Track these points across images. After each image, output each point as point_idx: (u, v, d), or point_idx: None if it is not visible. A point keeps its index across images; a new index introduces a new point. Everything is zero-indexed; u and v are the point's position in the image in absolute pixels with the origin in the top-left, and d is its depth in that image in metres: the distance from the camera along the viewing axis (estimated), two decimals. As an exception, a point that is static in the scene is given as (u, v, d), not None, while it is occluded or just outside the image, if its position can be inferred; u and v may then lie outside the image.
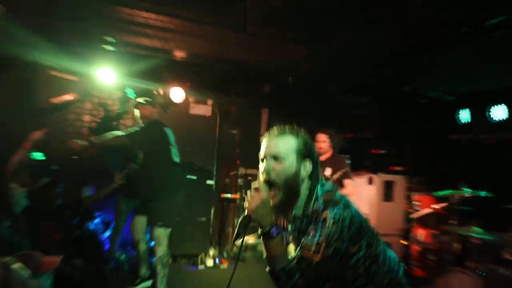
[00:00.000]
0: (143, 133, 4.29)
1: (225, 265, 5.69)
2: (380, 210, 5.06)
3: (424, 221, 5.44)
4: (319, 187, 1.92)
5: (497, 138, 5.43)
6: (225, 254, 6.09)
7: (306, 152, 1.91)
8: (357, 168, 5.72)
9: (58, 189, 4.78)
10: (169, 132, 4.52)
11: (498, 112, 5.27)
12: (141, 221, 4.62)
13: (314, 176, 1.93)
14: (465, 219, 4.56)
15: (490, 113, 5.35)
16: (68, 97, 5.33)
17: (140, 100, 4.52)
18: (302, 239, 1.83)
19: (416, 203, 5.40)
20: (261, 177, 1.92)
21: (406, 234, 5.49)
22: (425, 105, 6.37)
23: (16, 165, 3.73)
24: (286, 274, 1.77)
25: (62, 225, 4.56)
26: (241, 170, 6.52)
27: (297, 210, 1.94)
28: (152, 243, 4.57)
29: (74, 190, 5.26)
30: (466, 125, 5.74)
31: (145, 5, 4.15)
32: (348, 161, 4.83)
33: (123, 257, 5.43)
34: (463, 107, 5.71)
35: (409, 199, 5.53)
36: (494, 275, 3.79)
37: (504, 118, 5.18)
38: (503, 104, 5.20)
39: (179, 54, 4.80)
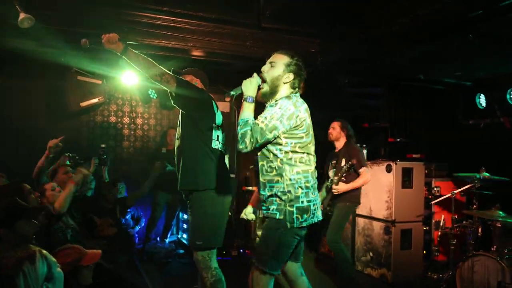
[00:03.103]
0: None
1: (249, 256, 5.87)
2: (400, 197, 5.12)
3: (444, 206, 5.50)
4: (295, 96, 2.71)
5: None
6: (249, 245, 6.27)
7: (292, 69, 2.72)
8: (375, 156, 5.80)
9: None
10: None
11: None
12: None
13: (294, 87, 2.75)
14: (485, 203, 4.60)
15: (511, 96, 5.37)
16: (95, 100, 5.59)
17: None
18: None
19: (436, 189, 5.45)
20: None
21: (427, 220, 5.55)
22: (440, 91, 6.40)
23: (39, 171, 3.97)
24: (244, 123, 2.55)
25: (116, 221, 4.88)
26: (261, 163, 6.68)
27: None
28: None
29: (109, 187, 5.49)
30: (484, 109, 5.76)
31: (164, 9, 4.36)
32: (365, 151, 4.91)
33: (152, 247, 5.71)
34: (480, 91, 5.73)
35: (428, 185, 5.58)
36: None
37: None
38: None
39: (197, 53, 4.99)
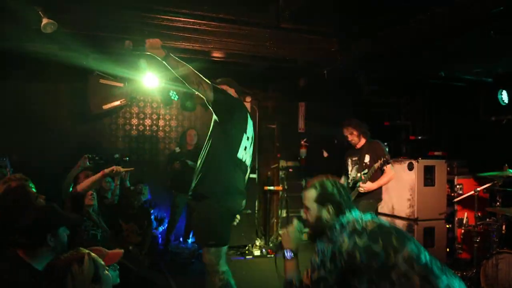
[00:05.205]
0: None
1: (271, 255, 5.92)
2: (422, 195, 5.10)
3: (467, 204, 5.44)
4: (338, 223, 2.20)
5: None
6: (270, 244, 6.30)
7: (325, 199, 2.29)
8: (396, 154, 5.78)
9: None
10: None
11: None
12: None
13: (337, 215, 2.25)
14: (509, 200, 4.54)
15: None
16: (117, 102, 5.69)
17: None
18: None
19: (458, 186, 5.40)
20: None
21: (450, 217, 5.50)
22: (462, 88, 6.33)
23: (73, 177, 4.16)
24: (288, 285, 2.30)
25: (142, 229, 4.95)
26: (282, 163, 6.71)
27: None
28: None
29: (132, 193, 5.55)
30: (507, 105, 5.68)
31: (184, 11, 4.41)
32: (386, 148, 4.92)
33: (176, 248, 5.79)
34: (502, 88, 5.66)
35: (450, 183, 5.53)
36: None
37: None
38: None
39: (217, 54, 5.04)
